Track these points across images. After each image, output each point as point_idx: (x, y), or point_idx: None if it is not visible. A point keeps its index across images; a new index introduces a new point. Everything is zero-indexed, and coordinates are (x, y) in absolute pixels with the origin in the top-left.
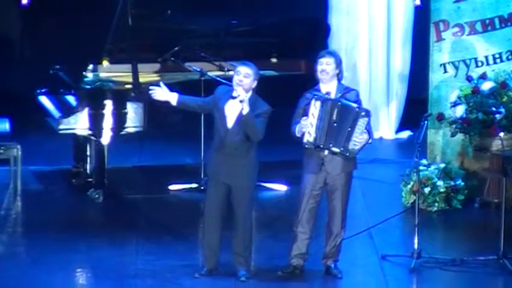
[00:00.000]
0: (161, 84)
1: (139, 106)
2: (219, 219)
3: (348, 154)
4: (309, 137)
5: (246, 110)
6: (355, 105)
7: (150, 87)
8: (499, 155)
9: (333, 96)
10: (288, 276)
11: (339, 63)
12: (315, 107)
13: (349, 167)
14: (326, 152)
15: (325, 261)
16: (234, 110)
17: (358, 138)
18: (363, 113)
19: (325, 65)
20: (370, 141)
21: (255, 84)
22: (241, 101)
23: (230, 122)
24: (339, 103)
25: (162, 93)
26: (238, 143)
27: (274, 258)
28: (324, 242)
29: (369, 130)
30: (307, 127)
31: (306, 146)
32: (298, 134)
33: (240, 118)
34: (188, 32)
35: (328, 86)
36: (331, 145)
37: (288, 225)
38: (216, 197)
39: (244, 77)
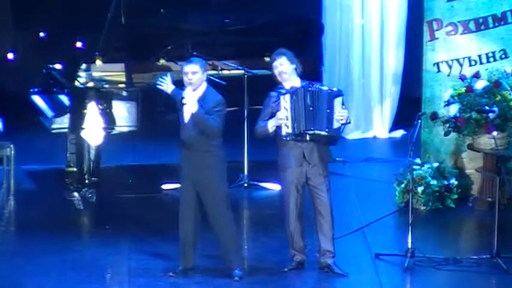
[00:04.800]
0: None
1: (133, 105)
2: (192, 217)
3: (334, 134)
4: (287, 129)
5: (194, 108)
6: (325, 87)
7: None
8: (493, 154)
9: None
10: (285, 274)
11: (292, 58)
12: (285, 101)
13: (327, 157)
14: (305, 142)
15: (324, 259)
16: (187, 106)
17: (340, 115)
18: (336, 92)
19: (279, 67)
20: (349, 120)
21: (205, 76)
22: (184, 104)
23: (186, 117)
24: (309, 88)
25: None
26: (194, 138)
27: (268, 257)
28: (316, 239)
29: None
30: (283, 121)
31: (287, 138)
32: (271, 129)
33: (192, 117)
34: (181, 31)
35: (291, 83)
36: (312, 128)
37: (282, 225)
38: (188, 194)
39: (192, 74)
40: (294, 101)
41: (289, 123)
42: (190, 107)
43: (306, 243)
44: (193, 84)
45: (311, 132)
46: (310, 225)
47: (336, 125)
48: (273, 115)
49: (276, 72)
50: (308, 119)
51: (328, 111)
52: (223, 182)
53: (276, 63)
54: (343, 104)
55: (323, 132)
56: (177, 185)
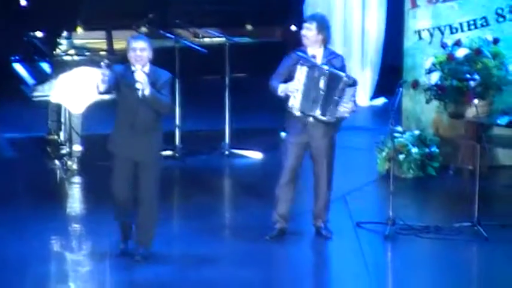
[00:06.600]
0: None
1: None
2: (128, 195)
3: (335, 121)
4: (294, 101)
5: (147, 91)
6: (343, 74)
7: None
8: (474, 122)
9: (318, 61)
10: (267, 242)
11: (322, 28)
12: (300, 73)
13: (332, 131)
14: (311, 118)
15: (315, 222)
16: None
17: (346, 107)
18: (351, 82)
19: (305, 30)
20: (355, 108)
21: (151, 54)
22: (141, 89)
23: (137, 99)
24: (327, 71)
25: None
26: (150, 118)
27: (250, 225)
28: (312, 204)
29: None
30: (293, 92)
31: (291, 110)
32: (280, 94)
33: (144, 99)
34: None
35: (313, 50)
36: (318, 113)
37: (263, 193)
38: (123, 173)
39: (140, 51)
40: (309, 79)
41: (298, 96)
42: (144, 89)
43: (290, 211)
44: (141, 62)
45: (315, 117)
46: (298, 192)
47: (339, 113)
48: (287, 78)
49: (302, 32)
50: (315, 103)
51: (337, 98)
52: (161, 158)
53: (305, 25)
54: (353, 96)
55: (324, 118)
56: (165, 152)
